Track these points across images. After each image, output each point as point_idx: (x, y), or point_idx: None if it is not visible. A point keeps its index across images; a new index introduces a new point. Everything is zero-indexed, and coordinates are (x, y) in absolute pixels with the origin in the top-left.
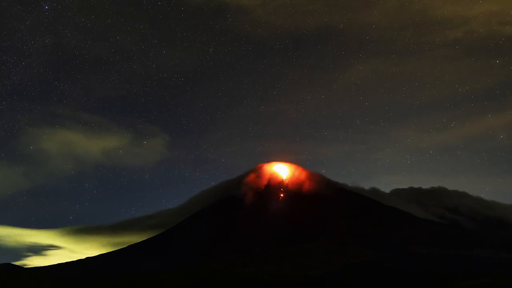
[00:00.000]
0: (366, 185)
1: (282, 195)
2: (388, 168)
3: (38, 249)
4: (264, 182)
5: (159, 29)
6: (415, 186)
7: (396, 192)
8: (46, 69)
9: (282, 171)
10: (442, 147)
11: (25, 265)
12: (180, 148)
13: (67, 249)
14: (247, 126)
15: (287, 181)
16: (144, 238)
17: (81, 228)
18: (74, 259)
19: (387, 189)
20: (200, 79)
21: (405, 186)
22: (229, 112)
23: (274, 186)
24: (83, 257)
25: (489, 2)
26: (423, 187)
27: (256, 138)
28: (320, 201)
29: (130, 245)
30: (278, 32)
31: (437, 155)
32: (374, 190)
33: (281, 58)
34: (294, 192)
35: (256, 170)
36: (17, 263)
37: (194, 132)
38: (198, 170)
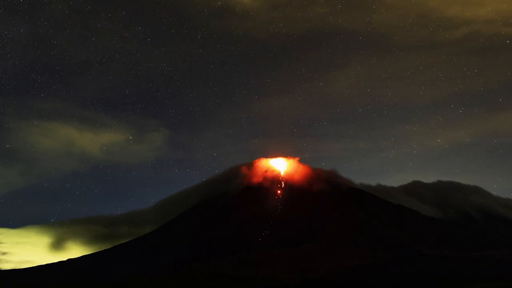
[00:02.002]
0: (370, 181)
1: (279, 191)
2: (394, 165)
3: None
4: (260, 177)
5: (143, 15)
6: (424, 182)
7: (403, 189)
8: (22, 60)
9: (279, 165)
10: (452, 143)
11: None
12: (169, 143)
13: (43, 250)
14: (240, 117)
15: (284, 177)
16: (130, 239)
17: (61, 227)
18: (55, 261)
19: (392, 186)
20: (188, 67)
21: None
22: (220, 103)
23: (271, 182)
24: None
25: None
26: (432, 183)
27: (250, 131)
28: (320, 198)
29: (115, 246)
30: (271, 15)
31: (447, 151)
32: (379, 186)
33: (274, 44)
34: (292, 189)
35: (251, 165)
36: None
37: (183, 125)
38: (189, 166)
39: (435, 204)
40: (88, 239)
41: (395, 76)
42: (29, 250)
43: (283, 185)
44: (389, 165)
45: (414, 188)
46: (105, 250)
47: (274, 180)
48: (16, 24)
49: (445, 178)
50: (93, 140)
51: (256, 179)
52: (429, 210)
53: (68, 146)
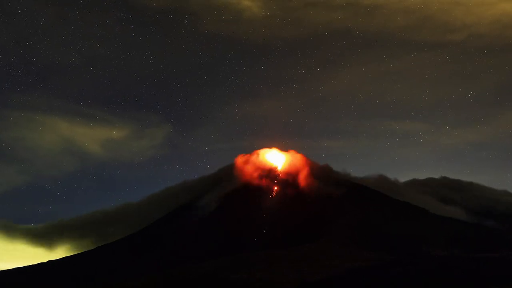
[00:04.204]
0: (374, 178)
1: (275, 188)
2: (399, 161)
3: None
4: (255, 173)
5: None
6: (432, 178)
7: (410, 186)
8: None
9: (275, 159)
10: (460, 140)
11: None
12: (156, 138)
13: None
14: (233, 108)
15: (281, 172)
16: (117, 238)
17: (42, 229)
18: (34, 263)
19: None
20: (174, 55)
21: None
22: (210, 93)
23: (267, 177)
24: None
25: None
26: (441, 180)
27: (244, 122)
28: (320, 195)
29: (99, 246)
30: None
31: (456, 147)
32: (383, 183)
33: (267, 27)
34: (290, 185)
35: (246, 159)
36: None
37: (171, 118)
38: (178, 162)
39: (444, 202)
40: (71, 240)
41: (398, 73)
42: (8, 252)
43: (280, 180)
44: (393, 162)
45: (422, 185)
46: (89, 251)
47: (270, 175)
48: None
49: (454, 175)
50: (72, 137)
51: (251, 175)
52: (438, 208)
53: (45, 143)
